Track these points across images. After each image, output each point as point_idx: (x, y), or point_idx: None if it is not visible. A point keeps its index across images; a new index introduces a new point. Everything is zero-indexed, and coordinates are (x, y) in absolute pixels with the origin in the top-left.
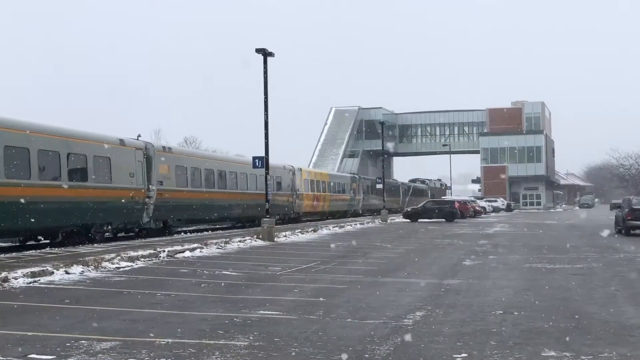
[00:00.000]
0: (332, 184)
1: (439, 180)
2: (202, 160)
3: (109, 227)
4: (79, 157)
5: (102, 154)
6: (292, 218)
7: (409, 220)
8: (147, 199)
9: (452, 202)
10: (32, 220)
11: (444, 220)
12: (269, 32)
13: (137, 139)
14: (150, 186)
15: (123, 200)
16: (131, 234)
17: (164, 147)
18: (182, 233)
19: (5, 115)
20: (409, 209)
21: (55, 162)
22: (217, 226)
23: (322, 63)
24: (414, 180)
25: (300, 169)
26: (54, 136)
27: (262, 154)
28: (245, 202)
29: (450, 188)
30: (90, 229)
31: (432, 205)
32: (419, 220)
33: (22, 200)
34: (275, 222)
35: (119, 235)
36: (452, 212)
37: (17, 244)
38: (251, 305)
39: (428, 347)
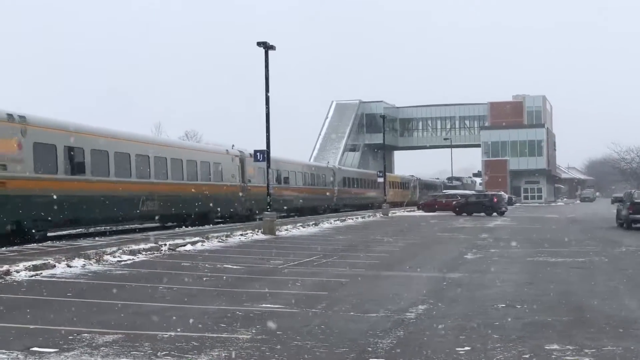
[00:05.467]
0: (401, 182)
1: (470, 177)
2: (353, 172)
3: (323, 207)
4: (313, 175)
5: (322, 172)
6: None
7: (453, 214)
8: (334, 194)
9: (492, 196)
10: (301, 202)
11: (483, 214)
12: (270, 27)
13: (328, 164)
14: (334, 188)
15: (328, 194)
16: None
17: (333, 167)
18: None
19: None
20: (454, 202)
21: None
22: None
23: (323, 57)
24: (450, 179)
25: (387, 174)
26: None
27: (264, 148)
28: (362, 196)
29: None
30: (317, 208)
31: (475, 200)
32: (463, 213)
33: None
34: (373, 207)
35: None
36: (493, 206)
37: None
38: (253, 299)
39: (431, 341)
